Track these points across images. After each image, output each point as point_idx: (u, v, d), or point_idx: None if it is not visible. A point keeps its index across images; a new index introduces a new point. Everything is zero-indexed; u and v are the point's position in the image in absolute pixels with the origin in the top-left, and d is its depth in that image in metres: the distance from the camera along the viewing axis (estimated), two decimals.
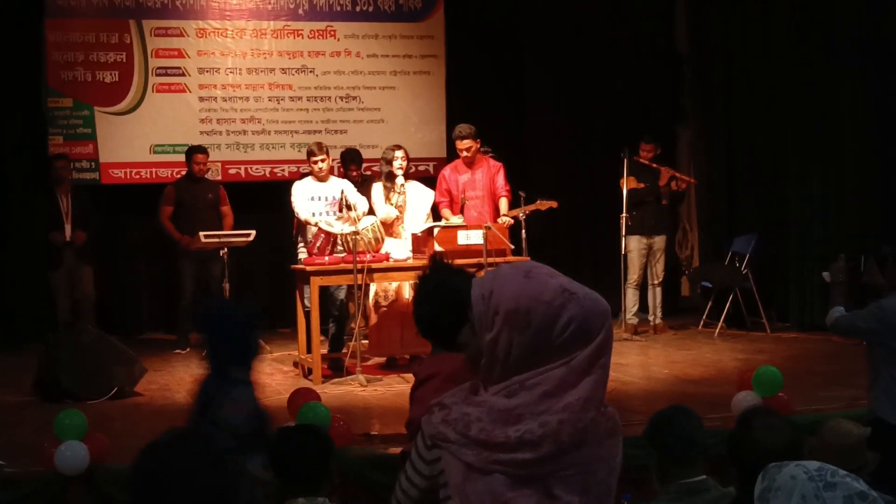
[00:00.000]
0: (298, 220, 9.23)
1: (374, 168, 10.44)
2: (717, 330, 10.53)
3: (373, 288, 8.90)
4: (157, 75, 11.39)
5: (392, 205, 9.09)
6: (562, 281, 2.68)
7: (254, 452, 3.93)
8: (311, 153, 9.30)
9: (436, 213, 9.49)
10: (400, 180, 9.10)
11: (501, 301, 2.63)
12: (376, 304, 9.03)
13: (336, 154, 10.34)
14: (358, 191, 9.30)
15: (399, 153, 9.12)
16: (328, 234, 8.70)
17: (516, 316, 2.61)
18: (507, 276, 2.68)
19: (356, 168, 10.06)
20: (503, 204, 9.45)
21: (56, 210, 10.18)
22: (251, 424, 4.24)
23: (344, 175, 10.01)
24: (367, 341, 9.40)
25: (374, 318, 9.05)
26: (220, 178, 11.30)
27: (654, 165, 10.68)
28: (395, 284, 9.01)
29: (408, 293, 9.08)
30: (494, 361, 2.66)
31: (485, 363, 2.67)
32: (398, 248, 8.96)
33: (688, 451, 3.76)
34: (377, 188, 9.20)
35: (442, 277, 3.12)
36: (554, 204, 9.98)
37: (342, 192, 8.97)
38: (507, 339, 2.62)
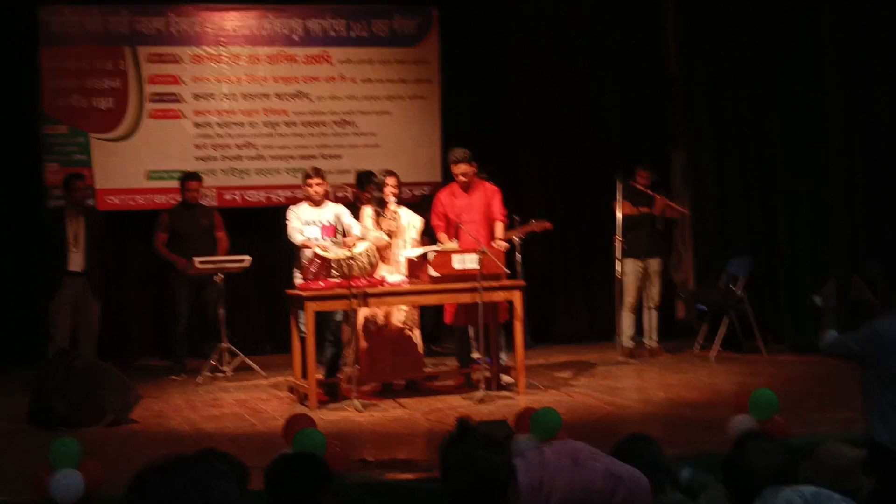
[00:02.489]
0: (293, 244, 9.22)
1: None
2: (713, 353, 10.52)
3: (361, 314, 8.90)
4: (152, 101, 11.41)
5: (383, 230, 9.10)
6: (606, 464, 2.66)
7: None
8: (307, 176, 9.31)
9: (431, 237, 9.50)
10: (392, 206, 9.12)
11: (553, 492, 2.60)
12: (366, 329, 9.02)
13: (333, 179, 10.38)
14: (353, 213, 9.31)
15: (391, 179, 9.15)
16: (324, 258, 8.70)
17: None
18: (556, 465, 2.65)
19: (373, 189, 9.95)
20: (499, 228, 9.46)
21: (63, 236, 9.90)
22: None
23: (360, 196, 10.05)
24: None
25: (363, 345, 9.03)
26: (215, 203, 11.32)
27: (650, 192, 10.70)
28: (383, 309, 9.02)
29: (396, 318, 9.08)
30: None
31: None
32: (391, 274, 8.96)
33: (656, 476, 3.76)
34: (367, 213, 9.22)
35: (475, 451, 2.95)
36: (548, 225, 10.01)
37: (336, 217, 8.99)
38: None
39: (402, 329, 9.11)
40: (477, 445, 2.95)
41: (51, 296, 9.97)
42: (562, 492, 2.59)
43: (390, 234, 9.14)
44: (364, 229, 9.10)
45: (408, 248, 9.14)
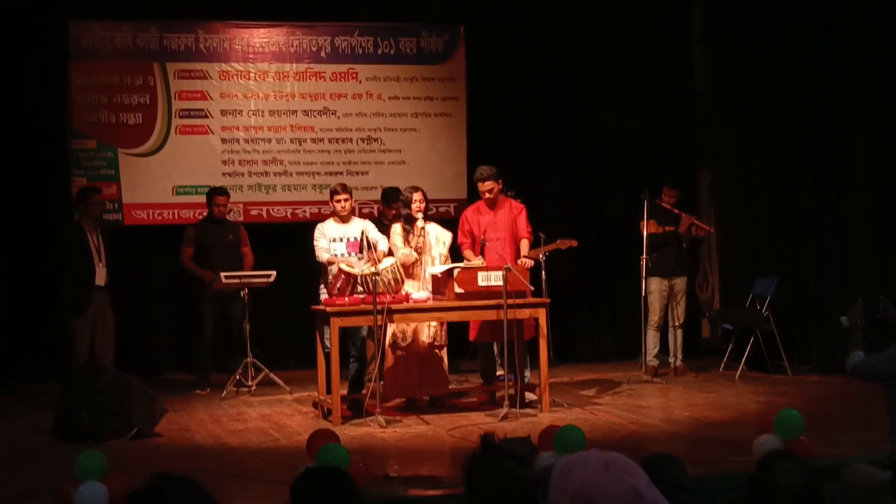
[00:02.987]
0: (319, 261, 9.25)
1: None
2: (738, 372, 10.47)
3: (390, 329, 8.91)
4: (180, 117, 11.49)
5: (411, 247, 9.12)
6: (639, 483, 2.66)
7: None
8: (334, 192, 9.33)
9: (458, 254, 9.51)
10: (420, 223, 9.14)
11: (572, 481, 2.63)
12: (394, 345, 9.04)
13: (359, 195, 10.40)
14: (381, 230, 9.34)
15: (417, 195, 9.17)
16: (348, 274, 8.72)
17: (580, 500, 2.62)
18: (587, 461, 2.68)
19: (399, 206, 9.99)
20: (524, 245, 9.46)
21: (87, 250, 9.91)
22: None
23: (386, 212, 10.10)
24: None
25: (390, 360, 9.05)
26: (241, 219, 11.37)
27: (676, 211, 10.68)
28: (412, 325, 9.03)
29: (425, 334, 9.09)
30: None
31: None
32: (417, 290, 8.97)
33: (680, 497, 3.74)
34: (396, 229, 9.24)
35: (501, 464, 2.97)
36: (574, 243, 10.01)
37: (363, 233, 9.01)
38: None
39: (429, 346, 9.12)
40: (502, 458, 2.96)
41: (80, 311, 9.93)
42: (578, 484, 2.61)
43: (418, 251, 9.16)
44: (393, 246, 9.12)
45: (438, 262, 9.15)
